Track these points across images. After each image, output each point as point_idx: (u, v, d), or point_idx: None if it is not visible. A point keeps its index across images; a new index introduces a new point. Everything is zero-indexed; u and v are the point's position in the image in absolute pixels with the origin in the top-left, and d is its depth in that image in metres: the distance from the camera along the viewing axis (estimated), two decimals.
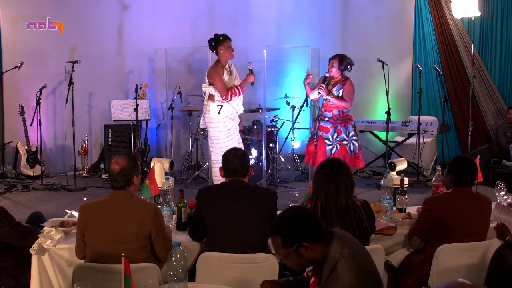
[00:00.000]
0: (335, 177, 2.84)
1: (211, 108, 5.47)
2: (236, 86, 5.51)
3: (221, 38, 5.48)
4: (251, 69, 5.64)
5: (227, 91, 5.42)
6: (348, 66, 5.84)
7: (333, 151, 5.83)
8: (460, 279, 1.58)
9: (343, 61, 5.79)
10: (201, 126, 5.94)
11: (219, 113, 5.47)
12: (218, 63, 5.52)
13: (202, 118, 5.76)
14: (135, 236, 2.73)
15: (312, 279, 2.17)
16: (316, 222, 2.11)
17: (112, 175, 2.83)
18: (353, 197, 2.91)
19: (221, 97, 5.43)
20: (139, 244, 2.74)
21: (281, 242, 2.06)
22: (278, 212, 3.01)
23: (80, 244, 2.83)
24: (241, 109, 5.69)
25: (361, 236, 2.81)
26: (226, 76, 5.48)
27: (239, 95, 5.53)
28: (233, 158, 3.05)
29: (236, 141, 5.59)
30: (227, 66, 5.54)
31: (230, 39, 5.51)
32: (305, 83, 6.04)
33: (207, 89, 5.52)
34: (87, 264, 2.72)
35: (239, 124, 5.67)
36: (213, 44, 5.50)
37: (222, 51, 5.45)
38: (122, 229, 2.71)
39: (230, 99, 5.46)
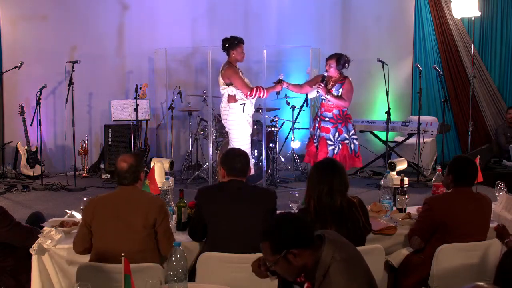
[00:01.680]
0: (329, 178, 2.84)
1: (236, 108, 5.54)
2: (263, 88, 5.62)
3: (236, 42, 5.54)
4: (280, 79, 5.73)
5: (251, 88, 5.51)
6: (346, 64, 5.85)
7: (335, 151, 5.83)
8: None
9: (340, 60, 5.80)
10: (227, 129, 5.98)
11: (243, 111, 5.54)
12: (231, 63, 5.58)
13: (224, 122, 5.80)
14: (142, 225, 2.78)
15: (306, 285, 2.13)
16: (304, 228, 2.07)
17: (121, 173, 2.88)
18: (347, 197, 2.91)
19: (245, 94, 5.51)
20: (145, 233, 2.80)
21: (269, 249, 2.04)
22: (278, 212, 3.03)
23: (83, 234, 2.84)
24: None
25: (357, 235, 2.81)
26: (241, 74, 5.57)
27: (263, 96, 5.65)
28: (238, 157, 3.06)
29: (249, 141, 5.74)
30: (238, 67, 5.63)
31: (243, 43, 5.60)
32: (277, 92, 6.05)
33: (227, 90, 5.58)
34: (91, 264, 2.72)
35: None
36: (226, 45, 5.55)
37: (234, 55, 5.55)
38: (130, 219, 2.77)
39: (254, 96, 5.56)
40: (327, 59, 5.85)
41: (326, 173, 2.87)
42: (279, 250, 2.01)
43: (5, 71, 7.36)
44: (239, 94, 5.55)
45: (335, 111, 5.84)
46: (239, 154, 3.10)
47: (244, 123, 5.64)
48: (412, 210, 3.62)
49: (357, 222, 2.86)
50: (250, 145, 5.81)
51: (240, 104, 5.56)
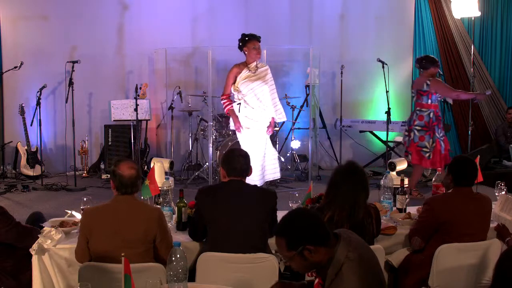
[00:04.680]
0: (356, 189, 2.85)
1: (234, 107, 5.56)
2: (232, 107, 5.55)
3: (246, 38, 5.50)
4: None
5: (227, 95, 5.53)
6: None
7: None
8: None
9: None
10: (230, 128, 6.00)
11: (239, 110, 5.53)
12: (240, 63, 5.59)
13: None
14: (141, 241, 2.72)
15: (316, 281, 2.16)
16: (321, 225, 2.09)
17: (130, 181, 2.73)
18: (366, 207, 2.92)
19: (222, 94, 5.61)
20: (144, 248, 2.74)
21: (285, 245, 2.04)
22: (278, 212, 3.03)
23: (83, 249, 2.79)
24: (271, 114, 5.66)
25: (366, 239, 2.81)
26: (244, 73, 5.50)
27: (224, 107, 5.62)
28: (237, 158, 3.04)
29: (257, 144, 5.52)
30: (253, 65, 5.53)
31: (257, 39, 5.50)
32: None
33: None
34: (93, 264, 2.70)
35: (268, 128, 5.64)
36: (240, 45, 5.53)
37: (246, 52, 5.51)
38: (127, 234, 2.70)
39: (222, 102, 5.60)
40: (437, 65, 6.03)
41: (354, 184, 2.86)
42: (295, 246, 2.02)
43: (5, 71, 7.36)
44: (237, 95, 5.58)
45: None
46: (239, 154, 3.09)
47: (240, 123, 5.60)
48: (412, 210, 3.62)
49: (369, 231, 2.89)
50: (256, 150, 5.44)
51: (237, 104, 5.56)
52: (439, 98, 5.99)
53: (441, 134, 5.95)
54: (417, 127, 5.93)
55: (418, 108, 5.95)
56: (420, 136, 5.90)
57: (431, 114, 5.87)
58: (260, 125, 5.58)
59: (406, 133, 6.12)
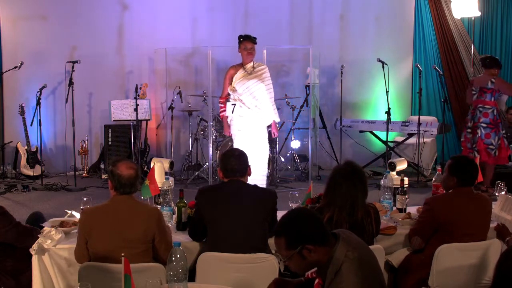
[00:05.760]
0: (355, 189, 2.84)
1: (228, 107, 5.55)
2: (225, 113, 5.60)
3: (241, 39, 5.52)
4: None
5: (224, 98, 5.63)
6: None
7: None
8: None
9: None
10: None
11: (232, 112, 5.53)
12: (239, 63, 5.62)
13: None
14: (140, 241, 2.72)
15: (316, 281, 2.15)
16: (320, 225, 2.09)
17: (130, 181, 2.73)
18: (365, 207, 2.91)
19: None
20: (142, 248, 2.74)
21: (285, 244, 2.04)
22: (278, 212, 3.03)
23: (82, 250, 2.78)
24: (271, 116, 5.68)
25: (365, 239, 2.81)
26: (239, 73, 5.50)
27: (220, 112, 5.72)
28: (230, 158, 3.03)
29: (253, 146, 5.47)
30: (249, 66, 5.54)
31: (250, 40, 5.50)
32: None
33: None
34: (93, 264, 2.70)
35: (272, 130, 5.70)
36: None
37: (240, 53, 5.53)
38: (127, 234, 2.69)
39: (220, 104, 5.66)
40: (500, 67, 6.15)
41: (353, 184, 2.85)
42: (295, 245, 2.02)
43: (5, 71, 7.36)
44: (232, 95, 5.58)
45: None
46: (232, 155, 3.07)
47: (234, 124, 5.59)
48: (412, 210, 3.62)
49: (369, 230, 2.89)
50: (252, 151, 5.25)
51: (232, 104, 5.56)
52: (499, 97, 6.15)
53: (503, 131, 6.14)
54: (483, 124, 6.06)
55: (480, 105, 6.08)
56: (486, 134, 6.04)
57: (495, 112, 6.04)
58: (252, 127, 5.57)
59: (469, 130, 6.21)
